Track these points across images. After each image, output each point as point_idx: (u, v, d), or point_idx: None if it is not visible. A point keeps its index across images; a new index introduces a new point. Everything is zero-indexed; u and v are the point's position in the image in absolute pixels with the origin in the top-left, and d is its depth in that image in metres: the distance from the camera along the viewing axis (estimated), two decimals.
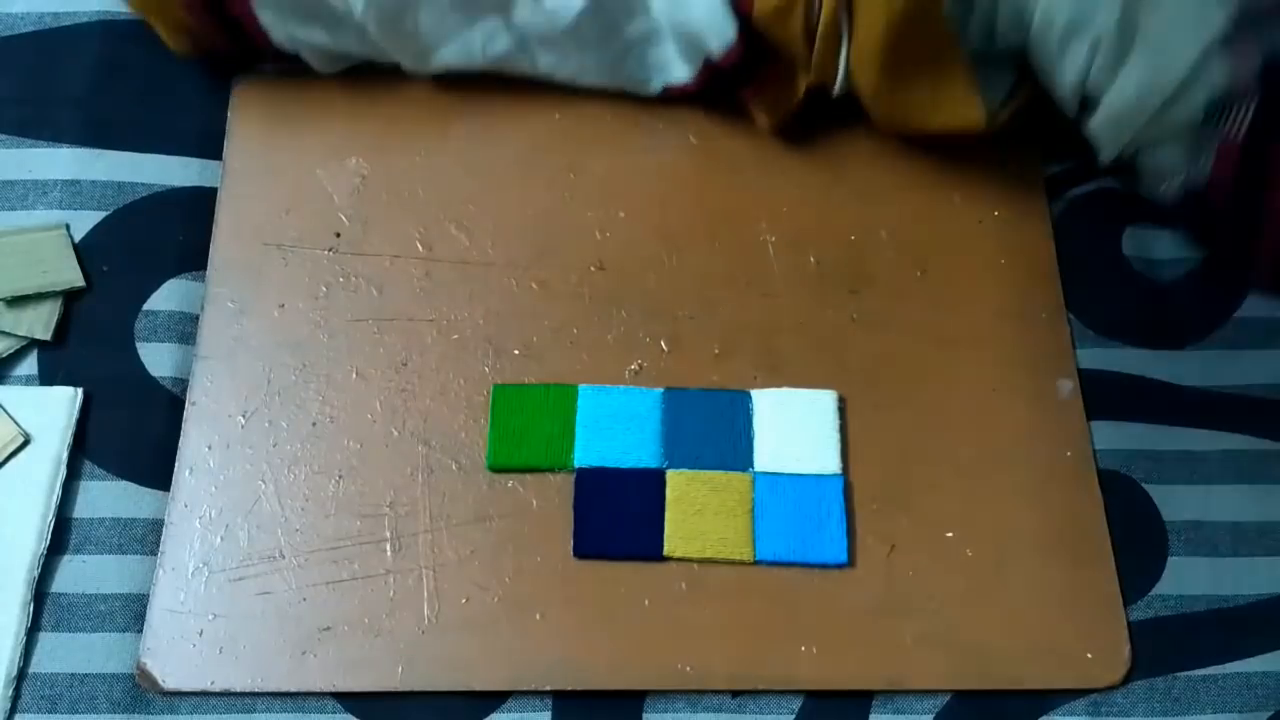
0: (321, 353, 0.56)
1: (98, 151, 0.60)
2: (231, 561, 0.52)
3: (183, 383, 0.55)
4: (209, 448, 0.54)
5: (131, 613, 0.51)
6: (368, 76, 0.61)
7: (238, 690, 0.49)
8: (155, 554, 0.52)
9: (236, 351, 0.56)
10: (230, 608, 0.51)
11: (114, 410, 0.55)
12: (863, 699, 0.50)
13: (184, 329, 0.56)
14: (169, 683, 0.49)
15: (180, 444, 0.54)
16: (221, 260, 0.58)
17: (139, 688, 0.50)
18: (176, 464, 0.53)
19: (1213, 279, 0.58)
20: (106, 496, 0.53)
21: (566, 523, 0.52)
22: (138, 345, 0.56)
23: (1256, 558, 0.53)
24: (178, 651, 0.50)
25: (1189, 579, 0.53)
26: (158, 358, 0.56)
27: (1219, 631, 0.52)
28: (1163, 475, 0.55)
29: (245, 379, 0.55)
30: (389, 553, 0.52)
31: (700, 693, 0.50)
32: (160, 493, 0.53)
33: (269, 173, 0.59)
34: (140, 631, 0.51)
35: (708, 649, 0.50)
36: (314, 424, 0.54)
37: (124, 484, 0.53)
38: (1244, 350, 0.57)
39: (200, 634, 0.50)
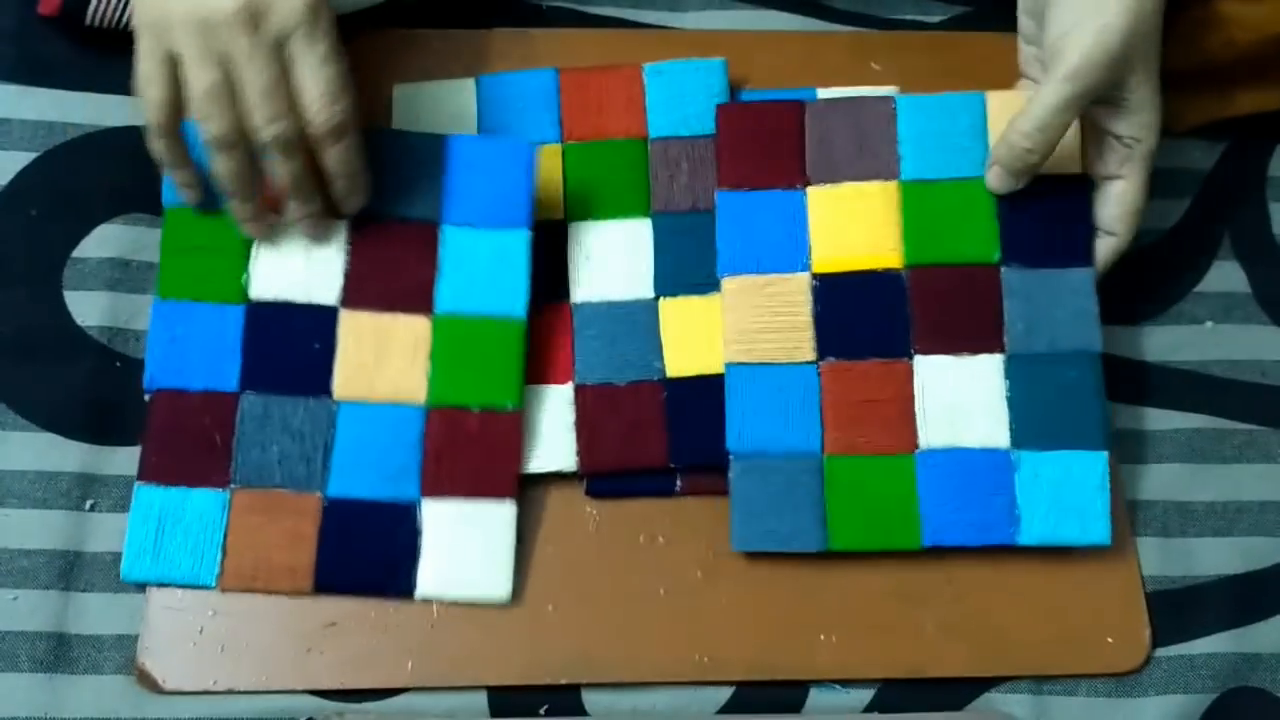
0: None
1: (26, 89, 0.56)
2: None
3: (111, 331, 0.53)
4: None
5: (55, 570, 0.49)
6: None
7: (242, 689, 0.48)
8: (80, 509, 0.50)
9: None
10: (230, 605, 0.49)
11: (37, 360, 0.52)
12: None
13: (115, 276, 0.54)
14: (169, 683, 0.48)
15: None
16: None
17: (65, 648, 0.48)
18: None
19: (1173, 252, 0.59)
20: (29, 448, 0.51)
21: (577, 515, 0.51)
22: (65, 294, 0.54)
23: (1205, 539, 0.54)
24: (178, 651, 0.48)
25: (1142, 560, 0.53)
26: (85, 306, 0.54)
27: (1169, 611, 0.52)
28: (1123, 455, 0.55)
29: None
30: None
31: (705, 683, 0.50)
32: (86, 445, 0.51)
33: None
34: (65, 589, 0.49)
35: (724, 638, 0.50)
36: None
37: (48, 435, 0.51)
38: (1202, 325, 0.58)
39: (200, 632, 0.49)
